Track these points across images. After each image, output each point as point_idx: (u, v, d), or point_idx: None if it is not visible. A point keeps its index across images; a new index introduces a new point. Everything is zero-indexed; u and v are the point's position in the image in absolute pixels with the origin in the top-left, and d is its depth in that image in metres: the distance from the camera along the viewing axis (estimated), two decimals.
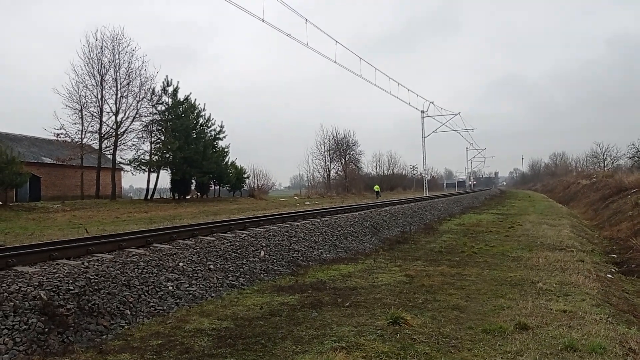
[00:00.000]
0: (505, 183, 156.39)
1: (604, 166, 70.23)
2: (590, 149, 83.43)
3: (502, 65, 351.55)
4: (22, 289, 5.61)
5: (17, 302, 5.35)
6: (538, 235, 15.37)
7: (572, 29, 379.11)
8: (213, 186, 43.30)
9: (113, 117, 35.14)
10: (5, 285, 5.62)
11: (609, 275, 9.87)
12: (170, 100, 36.92)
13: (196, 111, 38.05)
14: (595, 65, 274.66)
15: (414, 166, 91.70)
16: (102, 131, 35.07)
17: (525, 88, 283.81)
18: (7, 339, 4.88)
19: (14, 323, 5.09)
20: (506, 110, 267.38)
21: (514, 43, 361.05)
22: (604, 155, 73.89)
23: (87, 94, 34.65)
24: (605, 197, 30.17)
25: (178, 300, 7.03)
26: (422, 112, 43.98)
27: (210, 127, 39.64)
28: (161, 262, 7.80)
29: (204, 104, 38.76)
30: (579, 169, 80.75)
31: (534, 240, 13.98)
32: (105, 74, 35.03)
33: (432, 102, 43.80)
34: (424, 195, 43.78)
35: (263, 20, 15.77)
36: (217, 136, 40.34)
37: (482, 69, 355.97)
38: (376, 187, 52.68)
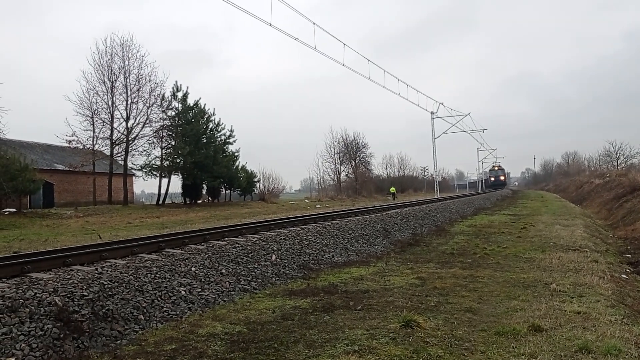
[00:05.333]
0: (517, 183, 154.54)
1: (617, 165, 69.51)
2: (603, 148, 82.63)
3: (514, 63, 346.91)
4: (38, 295, 5.69)
5: (33, 308, 5.43)
6: (551, 235, 15.22)
7: (588, 24, 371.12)
8: (224, 190, 43.58)
9: (124, 123, 35.66)
10: (21, 291, 5.71)
11: (624, 276, 9.75)
12: (180, 105, 37.30)
13: (206, 116, 38.37)
14: (611, 61, 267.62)
15: (424, 167, 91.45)
16: (113, 137, 35.56)
17: (537, 86, 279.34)
18: (23, 345, 4.95)
19: (30, 329, 5.16)
20: (518, 110, 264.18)
21: (527, 40, 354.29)
22: (617, 154, 73.23)
23: (98, 101, 35.22)
24: (619, 196, 29.81)
25: (191, 305, 7.07)
26: (432, 113, 43.88)
27: (220, 131, 39.99)
28: (173, 267, 7.86)
29: (214, 109, 39.19)
30: (592, 168, 79.90)
31: (547, 241, 13.84)
32: (115, 80, 35.56)
33: (442, 103, 43.73)
34: (435, 196, 43.58)
35: (271, 25, 15.87)
36: (227, 140, 40.63)
37: (493, 68, 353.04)
38: (392, 189, 52.69)
